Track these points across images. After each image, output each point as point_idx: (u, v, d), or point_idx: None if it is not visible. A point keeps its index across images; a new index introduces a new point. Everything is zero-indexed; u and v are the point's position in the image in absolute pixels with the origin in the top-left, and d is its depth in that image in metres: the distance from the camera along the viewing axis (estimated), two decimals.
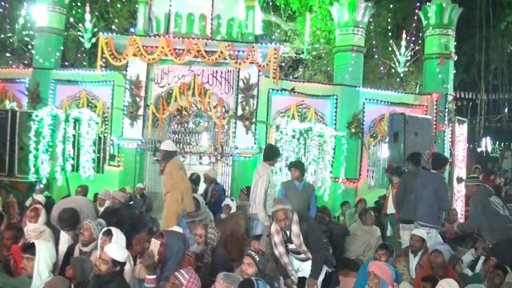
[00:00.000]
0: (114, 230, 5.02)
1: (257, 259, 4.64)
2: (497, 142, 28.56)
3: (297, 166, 7.15)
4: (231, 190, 10.45)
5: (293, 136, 10.07)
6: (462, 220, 9.77)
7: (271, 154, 7.00)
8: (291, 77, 12.68)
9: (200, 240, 5.56)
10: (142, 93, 10.21)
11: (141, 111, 10.22)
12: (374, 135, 10.92)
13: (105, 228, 5.09)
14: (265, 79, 10.16)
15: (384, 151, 11.12)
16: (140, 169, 10.33)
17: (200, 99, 10.10)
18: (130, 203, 8.64)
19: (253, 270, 4.59)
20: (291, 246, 5.37)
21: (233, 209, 8.02)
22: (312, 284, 5.30)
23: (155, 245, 4.65)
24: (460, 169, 10.97)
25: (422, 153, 8.37)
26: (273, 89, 10.32)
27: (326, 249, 5.58)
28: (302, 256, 5.37)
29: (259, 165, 7.59)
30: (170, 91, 10.24)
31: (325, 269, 5.53)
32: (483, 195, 6.51)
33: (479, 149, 25.96)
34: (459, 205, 10.65)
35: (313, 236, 5.33)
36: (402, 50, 12.46)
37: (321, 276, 5.45)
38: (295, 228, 5.28)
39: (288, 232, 5.25)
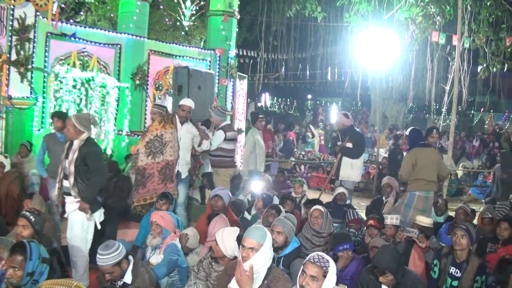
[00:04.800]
0: None
1: (32, 219, 4.43)
2: (275, 98, 31.13)
3: (59, 117, 6.78)
4: (4, 145, 9.36)
5: (74, 86, 9.38)
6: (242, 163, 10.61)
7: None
8: (71, 20, 11.74)
9: None
10: None
11: None
12: (159, 87, 10.87)
13: None
14: (43, 21, 9.13)
15: (169, 104, 11.16)
16: None
17: None
18: None
19: (28, 231, 4.39)
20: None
21: (8, 167, 7.41)
22: (82, 207, 5.11)
23: None
24: (240, 121, 11.64)
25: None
26: (51, 33, 9.34)
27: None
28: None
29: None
30: None
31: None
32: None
33: (259, 104, 27.99)
34: (238, 154, 11.39)
35: (92, 158, 5.16)
36: (188, 3, 12.51)
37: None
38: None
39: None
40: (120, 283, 3.93)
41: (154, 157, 6.76)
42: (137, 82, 10.28)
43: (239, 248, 4.29)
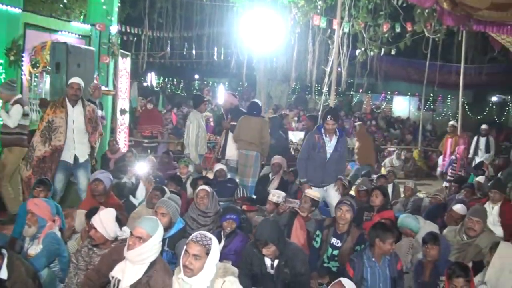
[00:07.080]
0: None
1: None
2: (162, 77, 30.58)
3: None
4: None
5: None
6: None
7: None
8: None
9: None
10: None
11: None
12: (36, 64, 10.13)
13: None
14: None
15: (48, 82, 10.49)
16: None
17: None
18: None
19: None
20: None
21: None
22: None
23: None
24: (123, 101, 11.28)
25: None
26: None
27: None
28: None
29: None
30: None
31: None
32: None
33: (144, 84, 27.34)
34: (122, 135, 11.07)
35: None
36: None
37: None
38: None
39: None
40: None
41: (45, 144, 6.45)
42: (12, 58, 9.42)
43: (120, 228, 4.23)
